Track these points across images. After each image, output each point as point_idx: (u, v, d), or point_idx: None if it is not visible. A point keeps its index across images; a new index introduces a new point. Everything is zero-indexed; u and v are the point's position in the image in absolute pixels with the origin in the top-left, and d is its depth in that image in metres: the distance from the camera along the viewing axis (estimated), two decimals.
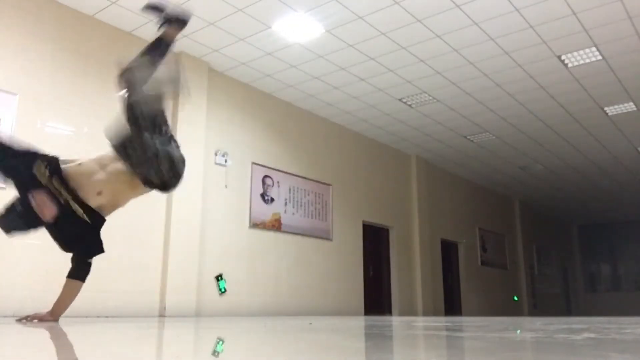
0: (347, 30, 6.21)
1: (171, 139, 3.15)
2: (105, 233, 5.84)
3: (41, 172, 3.06)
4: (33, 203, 2.95)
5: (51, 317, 3.28)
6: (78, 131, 5.69)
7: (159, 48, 3.34)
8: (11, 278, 4.93)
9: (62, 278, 5.35)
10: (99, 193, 3.13)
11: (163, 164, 3.01)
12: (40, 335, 2.08)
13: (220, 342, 1.78)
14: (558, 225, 17.67)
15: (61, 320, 3.35)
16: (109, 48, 6.07)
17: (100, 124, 5.93)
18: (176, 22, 3.39)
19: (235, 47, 6.58)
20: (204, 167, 6.70)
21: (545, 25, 6.10)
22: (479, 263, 12.75)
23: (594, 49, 6.60)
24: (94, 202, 3.13)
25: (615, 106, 8.41)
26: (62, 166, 3.17)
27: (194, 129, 6.62)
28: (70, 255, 3.29)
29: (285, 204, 7.91)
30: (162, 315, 5.91)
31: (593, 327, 2.44)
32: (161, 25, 3.36)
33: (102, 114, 5.93)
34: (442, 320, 3.99)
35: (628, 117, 8.86)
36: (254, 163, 7.49)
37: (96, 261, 5.53)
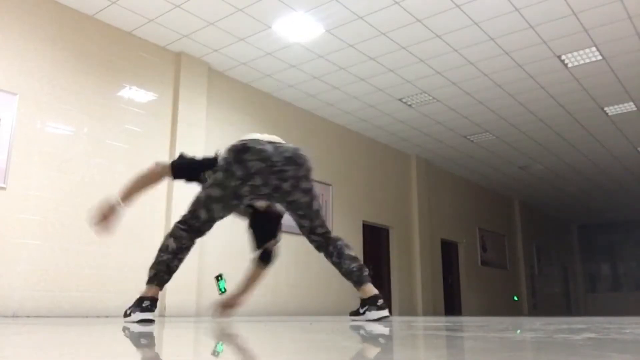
0: (347, 30, 6.21)
1: None
2: None
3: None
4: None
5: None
6: (78, 131, 5.69)
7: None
8: (11, 278, 4.93)
9: (61, 278, 5.36)
10: None
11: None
12: (40, 335, 2.08)
13: (220, 342, 1.78)
14: (558, 225, 17.66)
15: (61, 320, 3.35)
16: (109, 48, 6.07)
17: (100, 124, 5.97)
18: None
19: (235, 47, 6.58)
20: None
21: (545, 25, 6.10)
22: (479, 263, 12.74)
23: (594, 49, 6.60)
24: None
25: (615, 106, 8.41)
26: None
27: (194, 129, 6.62)
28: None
29: None
30: (162, 315, 5.90)
31: (593, 327, 2.44)
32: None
33: (102, 114, 5.94)
34: (442, 320, 3.99)
35: (628, 117, 8.86)
36: None
37: (97, 261, 5.55)
